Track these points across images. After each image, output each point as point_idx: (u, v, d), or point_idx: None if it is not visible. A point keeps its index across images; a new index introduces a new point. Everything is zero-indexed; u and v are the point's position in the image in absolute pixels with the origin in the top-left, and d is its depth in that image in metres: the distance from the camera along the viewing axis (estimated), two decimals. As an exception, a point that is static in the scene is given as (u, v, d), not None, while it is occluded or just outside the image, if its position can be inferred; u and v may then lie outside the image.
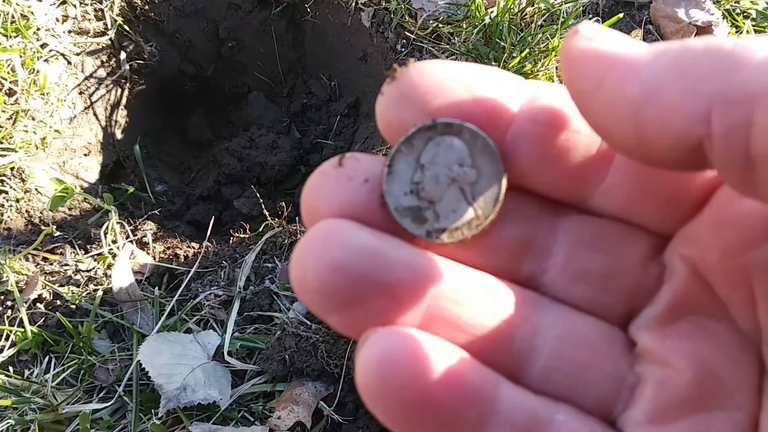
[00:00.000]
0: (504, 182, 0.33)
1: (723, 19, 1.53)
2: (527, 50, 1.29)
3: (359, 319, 0.30)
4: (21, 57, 1.41)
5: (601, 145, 0.33)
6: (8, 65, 1.40)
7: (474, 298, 0.33)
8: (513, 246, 0.34)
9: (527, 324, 0.34)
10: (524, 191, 0.35)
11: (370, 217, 0.32)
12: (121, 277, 1.15)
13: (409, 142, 0.32)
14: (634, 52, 0.28)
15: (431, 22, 1.45)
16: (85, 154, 1.49)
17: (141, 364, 1.02)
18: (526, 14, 1.39)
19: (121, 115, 1.60)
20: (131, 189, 1.45)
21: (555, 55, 1.32)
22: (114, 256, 1.22)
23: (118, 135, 1.58)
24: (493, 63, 1.36)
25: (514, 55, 1.32)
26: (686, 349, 0.33)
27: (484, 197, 0.33)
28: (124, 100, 1.61)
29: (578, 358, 0.33)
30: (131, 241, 1.25)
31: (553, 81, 1.34)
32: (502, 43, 1.34)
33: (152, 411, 1.03)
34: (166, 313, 1.12)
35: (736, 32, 1.51)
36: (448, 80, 0.32)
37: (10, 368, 1.09)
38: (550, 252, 0.35)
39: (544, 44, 1.32)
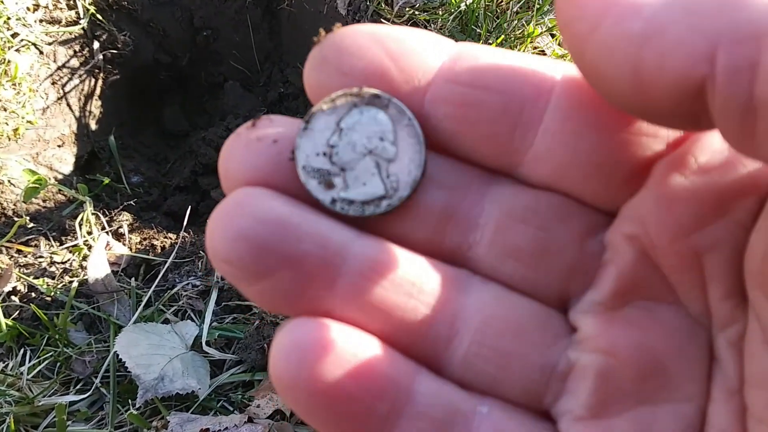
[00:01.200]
0: (423, 168, 0.32)
1: None
2: (503, 37, 1.29)
3: (269, 292, 0.30)
4: (-9, 47, 1.39)
5: (527, 105, 0.31)
6: (-22, 55, 1.38)
7: (390, 277, 0.31)
8: (435, 216, 0.32)
9: (449, 306, 0.32)
10: (450, 156, 0.33)
11: (277, 179, 0.30)
12: (97, 268, 1.14)
13: (333, 103, 0.31)
14: None
15: (407, 9, 1.45)
16: (59, 146, 1.47)
17: (118, 355, 1.02)
18: (501, 1, 1.39)
19: (96, 106, 1.58)
20: (106, 180, 1.43)
21: (531, 42, 1.33)
22: (89, 247, 1.21)
23: (93, 126, 1.56)
24: (470, 50, 1.36)
25: (490, 42, 1.32)
26: (632, 337, 0.31)
27: (400, 178, 0.31)
28: (98, 91, 1.59)
29: (503, 345, 0.32)
30: (107, 232, 1.24)
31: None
32: (478, 30, 1.34)
33: (130, 402, 1.02)
34: (143, 304, 1.11)
35: None
36: (366, 42, 0.31)
37: (-15, 362, 1.07)
38: (477, 224, 0.32)
39: (520, 31, 1.32)
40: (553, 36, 1.36)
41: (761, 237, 0.28)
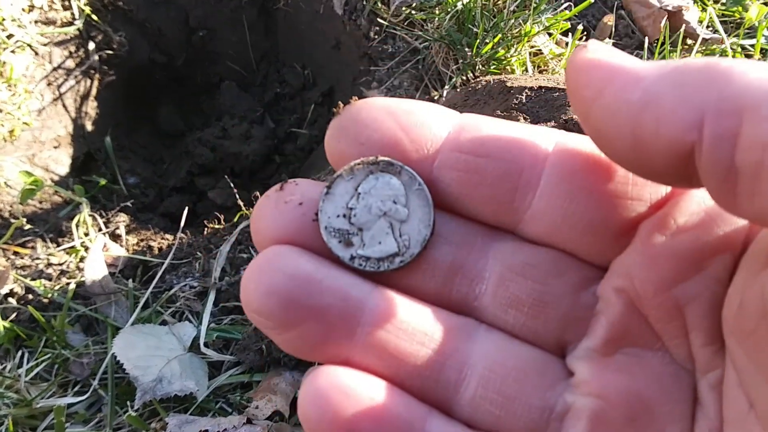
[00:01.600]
0: (432, 228, 0.35)
1: (693, 3, 1.54)
2: (500, 36, 1.29)
3: (296, 341, 0.33)
4: (-14, 48, 1.39)
5: (525, 170, 0.35)
6: (-27, 57, 1.37)
7: (403, 327, 0.34)
8: (443, 270, 0.36)
9: (457, 353, 0.35)
10: (457, 215, 0.37)
11: (302, 238, 0.35)
12: (94, 270, 1.14)
13: (352, 171, 0.35)
14: (637, 64, 0.30)
15: (404, 8, 1.45)
16: (55, 147, 1.47)
17: (116, 357, 1.01)
18: (498, 0, 1.39)
19: (91, 107, 1.58)
20: (103, 181, 1.43)
21: (528, 41, 1.33)
22: (86, 248, 1.21)
23: (89, 127, 1.56)
24: (466, 49, 1.36)
25: (487, 41, 1.31)
26: (621, 381, 0.34)
27: (411, 237, 0.35)
28: (93, 91, 1.58)
29: (506, 389, 0.35)
30: (104, 234, 1.23)
31: (525, 67, 1.34)
32: (475, 29, 1.34)
33: (128, 404, 1.02)
34: (140, 305, 1.11)
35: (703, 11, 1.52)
36: (380, 115, 0.35)
37: (-18, 364, 1.07)
38: (482, 277, 0.36)
39: (517, 30, 1.32)
40: (550, 35, 1.36)
41: (736, 290, 0.31)
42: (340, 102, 0.37)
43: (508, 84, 1.02)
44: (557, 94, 0.97)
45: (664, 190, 0.35)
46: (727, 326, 0.32)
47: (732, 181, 0.27)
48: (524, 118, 0.93)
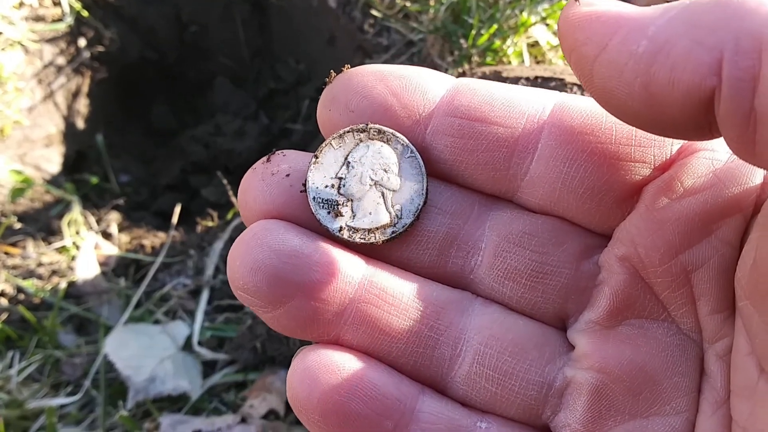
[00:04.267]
0: (425, 197, 0.34)
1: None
2: (496, 26, 1.27)
3: (284, 318, 0.32)
4: (-25, 46, 1.37)
5: (521, 134, 0.34)
6: (-38, 54, 1.35)
7: (396, 302, 0.33)
8: (438, 241, 0.35)
9: (452, 328, 0.34)
10: (451, 184, 0.35)
11: (290, 210, 0.34)
12: (85, 269, 1.12)
13: (341, 139, 0.34)
14: (639, 11, 0.27)
15: (398, 0, 1.43)
16: (46, 145, 1.45)
17: (108, 357, 1.00)
18: (493, -9, 1.37)
19: (83, 104, 1.56)
20: (95, 179, 1.41)
21: (524, 32, 1.31)
22: (77, 247, 1.19)
23: (80, 125, 1.54)
24: (462, 40, 1.34)
25: (483, 32, 1.30)
26: (624, 354, 0.33)
27: (404, 207, 0.34)
28: (85, 89, 1.56)
29: (503, 365, 0.34)
30: (96, 232, 1.22)
31: (522, 58, 1.33)
32: (471, 21, 1.32)
33: (121, 404, 1.01)
34: (132, 304, 1.09)
35: None
36: (371, 81, 0.34)
37: (-28, 366, 1.05)
38: (478, 248, 0.35)
39: (513, 21, 1.30)
40: (547, 26, 1.34)
41: (750, 250, 0.30)
42: (332, 70, 0.36)
43: (504, 74, 1.01)
44: (554, 83, 0.95)
45: (668, 151, 0.33)
46: (741, 289, 0.30)
47: (752, 129, 0.25)
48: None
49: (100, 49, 1.56)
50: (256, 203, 0.33)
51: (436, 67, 1.42)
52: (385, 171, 0.34)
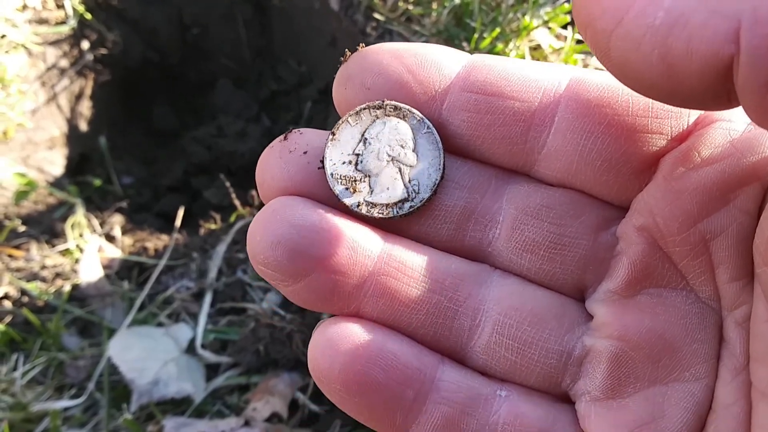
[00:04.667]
0: (442, 172, 0.35)
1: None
2: (498, 30, 1.27)
3: (304, 292, 0.33)
4: (-22, 48, 1.37)
5: (538, 108, 0.34)
6: (-35, 57, 1.36)
7: (415, 275, 0.34)
8: (455, 215, 0.35)
9: (471, 299, 0.35)
10: (468, 159, 0.36)
11: (308, 187, 0.34)
12: (89, 272, 1.12)
13: (358, 116, 0.34)
14: None
15: (401, 3, 1.43)
16: (49, 148, 1.45)
17: (111, 360, 1.00)
18: (495, -6, 1.37)
19: (86, 107, 1.56)
20: (98, 182, 1.42)
21: (527, 35, 1.31)
22: (81, 250, 1.19)
23: (83, 127, 1.54)
24: (464, 44, 1.34)
25: (485, 35, 1.30)
26: (643, 322, 0.34)
27: (421, 182, 0.35)
28: (88, 91, 1.57)
29: (522, 334, 0.34)
30: (99, 235, 1.22)
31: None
32: (473, 24, 1.33)
33: (125, 406, 1.01)
34: (136, 307, 1.10)
35: None
36: (386, 58, 0.34)
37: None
38: (495, 221, 0.35)
39: (516, 24, 1.31)
40: (549, 29, 1.35)
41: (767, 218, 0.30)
42: (347, 49, 0.36)
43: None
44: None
45: (686, 122, 0.33)
46: (759, 255, 0.31)
47: None
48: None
49: (103, 51, 1.56)
50: (274, 180, 0.34)
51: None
52: (402, 147, 0.35)
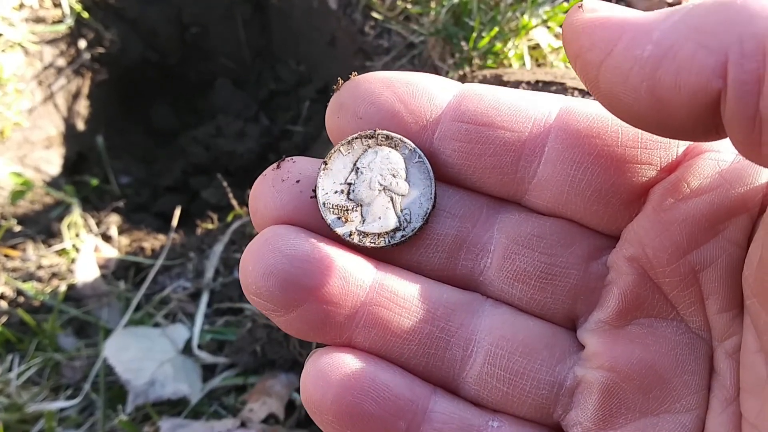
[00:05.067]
0: (434, 201, 0.35)
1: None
2: (497, 29, 1.27)
3: (297, 322, 0.33)
4: (-25, 47, 1.36)
5: (528, 138, 0.34)
6: (-38, 56, 1.35)
7: (407, 305, 0.34)
8: (447, 244, 0.35)
9: (463, 329, 0.34)
10: (460, 187, 0.36)
11: (301, 216, 0.34)
12: (85, 271, 1.12)
13: (350, 145, 0.35)
14: (642, 16, 0.28)
15: (399, 2, 1.43)
16: (46, 147, 1.45)
17: (107, 360, 1.00)
18: (494, -7, 1.36)
19: (83, 106, 1.56)
20: (95, 181, 1.41)
21: (525, 34, 1.30)
22: (77, 250, 1.19)
23: (80, 126, 1.53)
24: (463, 43, 1.34)
25: (484, 34, 1.29)
26: (634, 353, 0.33)
27: (413, 211, 0.35)
28: (85, 90, 1.56)
29: (514, 365, 0.34)
30: (96, 235, 1.21)
31: (523, 60, 1.32)
32: (471, 23, 1.32)
33: (121, 407, 1.00)
34: (132, 307, 1.09)
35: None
36: (378, 88, 0.34)
37: (-29, 369, 1.05)
38: (487, 250, 0.35)
39: (515, 23, 1.30)
40: (548, 28, 1.34)
41: (756, 249, 0.30)
42: (339, 78, 0.36)
43: (505, 78, 1.00)
44: (555, 87, 0.94)
45: (674, 152, 0.33)
46: (748, 287, 0.31)
47: (757, 130, 0.25)
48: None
49: (101, 50, 1.55)
50: (267, 209, 0.34)
51: (436, 69, 1.41)
52: (394, 176, 0.35)
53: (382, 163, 0.35)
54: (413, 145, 0.35)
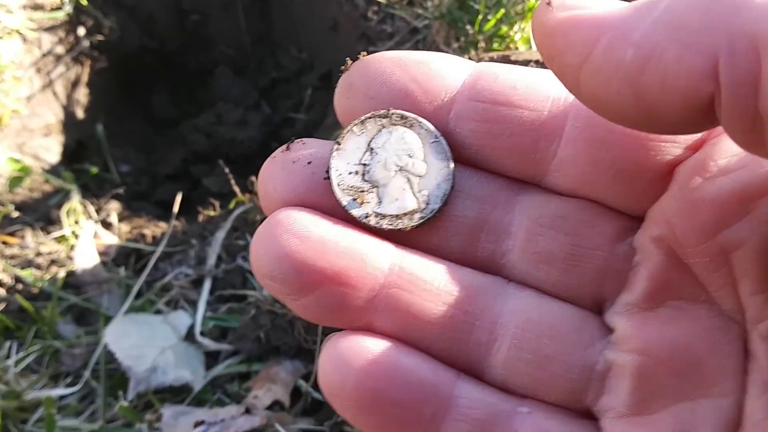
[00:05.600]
0: (452, 182, 0.33)
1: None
2: (502, 11, 1.25)
3: (312, 306, 0.32)
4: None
5: (547, 117, 0.33)
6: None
7: (428, 287, 0.33)
8: (467, 226, 0.34)
9: (487, 312, 0.33)
10: (478, 169, 0.34)
11: (313, 198, 0.33)
12: (85, 258, 1.10)
13: (363, 125, 0.33)
14: (619, 12, 0.26)
15: (401, -13, 1.41)
16: (45, 135, 1.42)
17: (108, 347, 0.98)
18: (499, -24, 1.35)
19: (82, 94, 1.53)
20: (94, 169, 1.39)
21: (531, 17, 1.28)
22: (77, 237, 1.17)
23: (80, 114, 1.51)
24: (468, 27, 1.32)
25: (489, 17, 1.27)
26: (666, 336, 0.32)
27: (431, 192, 0.33)
28: (84, 78, 1.54)
29: (542, 348, 0.33)
30: (95, 222, 1.19)
31: (530, 44, 1.30)
32: (476, 6, 1.30)
33: (122, 394, 0.99)
34: (133, 294, 1.07)
35: None
36: (390, 67, 0.33)
37: (-31, 356, 1.03)
38: (508, 232, 0.34)
39: (521, 6, 1.28)
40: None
41: None
42: (348, 58, 0.35)
43: (513, 58, 0.99)
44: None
45: None
46: None
47: (759, 130, 0.23)
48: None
49: (100, 37, 1.53)
50: (277, 192, 0.33)
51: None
52: (410, 156, 0.34)
53: (398, 143, 0.34)
54: (429, 125, 0.33)
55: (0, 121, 1.34)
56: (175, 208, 1.18)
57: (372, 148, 0.34)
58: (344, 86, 0.34)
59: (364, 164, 0.34)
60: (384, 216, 0.33)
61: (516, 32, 1.29)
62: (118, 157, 1.49)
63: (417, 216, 0.33)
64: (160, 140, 1.60)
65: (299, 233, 0.31)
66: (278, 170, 0.33)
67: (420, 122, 0.33)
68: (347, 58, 0.35)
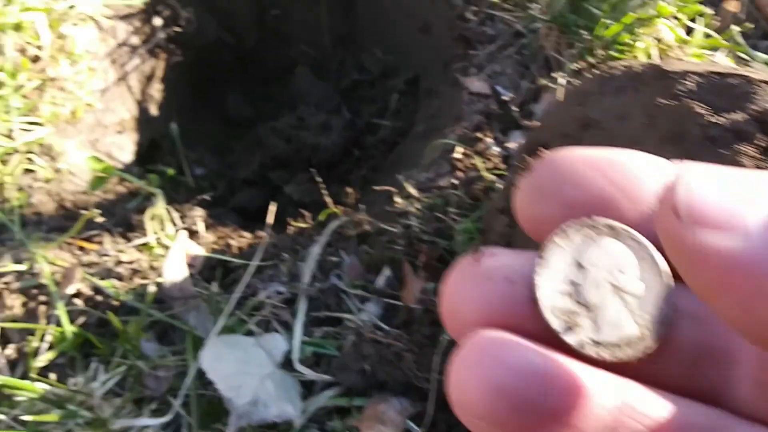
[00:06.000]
0: (674, 303, 0.29)
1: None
2: (633, 17, 1.14)
3: None
4: (47, 18, 1.25)
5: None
6: (32, 28, 1.24)
7: (656, 426, 0.28)
8: (689, 353, 0.30)
9: None
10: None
11: (516, 321, 0.29)
12: (175, 271, 1.00)
13: (566, 236, 0.30)
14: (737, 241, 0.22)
15: (508, -13, 1.31)
16: (119, 132, 1.33)
17: (202, 372, 0.88)
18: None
19: (156, 89, 1.44)
20: (171, 171, 1.29)
21: (656, 24, 1.18)
22: (162, 245, 1.07)
23: (153, 111, 1.42)
24: (582, 32, 1.21)
25: (609, 22, 1.17)
26: None
27: (653, 317, 0.29)
28: (159, 73, 1.45)
29: None
30: (182, 230, 1.10)
31: (649, 55, 1.19)
32: (593, 9, 1.20)
33: (211, 426, 0.89)
34: (227, 313, 0.97)
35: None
36: (584, 170, 0.30)
37: (50, 374, 0.93)
38: (735, 360, 0.29)
39: (643, 10, 1.17)
40: (677, 19, 1.21)
41: None
42: (525, 156, 0.27)
43: (666, 68, 0.88)
44: (733, 80, 0.82)
45: None
46: None
47: None
48: (700, 107, 0.79)
49: (176, 29, 1.44)
50: (470, 312, 0.29)
51: (547, 60, 1.29)
52: (624, 274, 0.29)
53: (609, 258, 0.30)
54: (641, 237, 0.29)
55: (74, 114, 1.25)
56: (270, 219, 1.08)
57: (580, 264, 0.30)
58: (530, 191, 0.30)
59: (575, 283, 0.29)
60: (601, 344, 0.29)
61: (636, 40, 1.19)
62: (191, 159, 1.40)
63: (641, 345, 0.29)
64: (235, 142, 1.50)
65: (513, 365, 0.27)
66: (470, 285, 0.29)
67: (630, 233, 0.29)
68: (525, 156, 0.29)
